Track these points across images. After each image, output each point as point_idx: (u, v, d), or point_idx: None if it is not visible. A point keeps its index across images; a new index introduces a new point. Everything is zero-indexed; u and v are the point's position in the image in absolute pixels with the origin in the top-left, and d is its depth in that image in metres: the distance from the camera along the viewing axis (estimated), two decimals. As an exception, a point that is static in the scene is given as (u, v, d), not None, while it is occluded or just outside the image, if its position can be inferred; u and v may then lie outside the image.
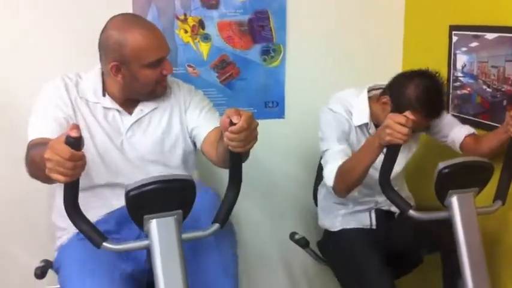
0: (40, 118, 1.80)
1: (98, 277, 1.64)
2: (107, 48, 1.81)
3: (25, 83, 2.15)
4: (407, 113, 1.70)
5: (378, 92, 2.16)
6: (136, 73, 1.81)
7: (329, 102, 2.17)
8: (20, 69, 2.21)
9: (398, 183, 2.26)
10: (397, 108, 1.95)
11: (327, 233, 2.33)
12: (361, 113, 2.11)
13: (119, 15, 1.86)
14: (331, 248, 2.30)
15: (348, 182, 1.98)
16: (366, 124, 2.12)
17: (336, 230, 2.27)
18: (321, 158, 2.13)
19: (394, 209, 2.23)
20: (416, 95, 1.95)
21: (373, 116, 2.12)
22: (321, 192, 2.37)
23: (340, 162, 1.99)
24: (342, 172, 1.97)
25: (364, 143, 1.97)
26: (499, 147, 1.98)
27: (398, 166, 2.16)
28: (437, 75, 2.00)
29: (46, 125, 1.76)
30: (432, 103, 1.97)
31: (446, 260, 2.04)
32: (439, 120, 2.16)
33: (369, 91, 2.16)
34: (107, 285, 1.64)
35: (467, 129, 2.15)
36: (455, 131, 2.16)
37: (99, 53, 1.86)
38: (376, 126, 2.11)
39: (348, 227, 2.25)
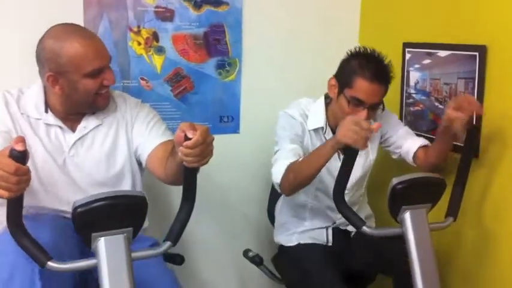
0: None
1: None
2: (43, 58, 1.74)
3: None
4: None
5: None
6: (76, 83, 1.74)
7: (287, 106, 2.19)
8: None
9: (360, 200, 2.27)
10: (343, 83, 2.01)
11: (282, 249, 2.30)
12: (317, 117, 2.13)
13: (57, 25, 1.79)
14: (286, 263, 2.27)
15: (296, 181, 1.95)
16: (322, 128, 2.13)
17: (291, 245, 2.25)
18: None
19: (350, 228, 2.24)
20: (358, 62, 1.99)
21: (330, 120, 2.13)
22: (278, 206, 2.36)
23: (290, 161, 1.98)
24: (291, 169, 1.95)
25: (321, 144, 1.97)
26: (442, 153, 2.04)
27: (357, 172, 2.17)
28: (376, 50, 2.05)
29: None
30: (375, 65, 1.98)
31: (398, 283, 2.05)
32: (393, 129, 2.20)
33: (326, 97, 2.17)
34: None
35: (421, 141, 2.16)
36: (409, 142, 2.17)
37: (37, 65, 1.78)
38: (333, 130, 2.12)
39: (303, 242, 2.23)
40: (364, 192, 2.32)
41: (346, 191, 2.12)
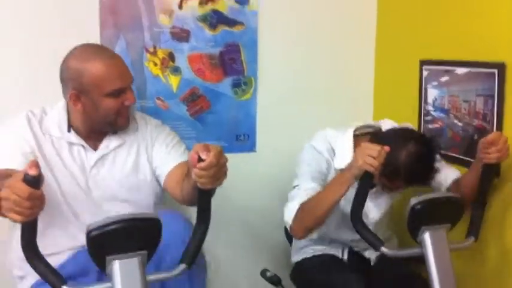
0: (4, 151, 1.73)
1: None
2: (66, 77, 1.78)
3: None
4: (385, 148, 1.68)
5: (366, 131, 2.05)
6: (97, 102, 1.77)
7: (312, 138, 2.08)
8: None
9: (383, 228, 2.23)
10: (384, 169, 1.78)
11: (299, 262, 2.26)
12: (345, 155, 1.98)
13: (81, 45, 1.83)
14: (305, 273, 2.22)
15: (309, 220, 1.87)
16: None
17: (307, 256, 2.22)
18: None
19: (367, 254, 2.20)
20: (405, 162, 1.79)
21: None
22: None
23: (303, 200, 1.90)
24: (303, 209, 1.88)
25: (335, 176, 1.90)
26: (475, 183, 1.92)
27: (381, 210, 2.12)
28: (433, 141, 1.89)
29: (13, 159, 1.69)
30: (419, 175, 1.85)
31: None
32: None
33: (356, 130, 2.04)
34: None
35: (454, 173, 2.06)
36: (443, 175, 2.04)
37: (61, 85, 1.82)
38: None
39: (320, 253, 2.20)
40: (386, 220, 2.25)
41: (371, 226, 2.09)
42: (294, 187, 2.02)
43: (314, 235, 2.11)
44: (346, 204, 1.88)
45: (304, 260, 2.23)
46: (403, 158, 1.79)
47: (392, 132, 1.96)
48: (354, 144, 2.00)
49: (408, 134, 1.90)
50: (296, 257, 2.29)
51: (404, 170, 1.81)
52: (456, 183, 2.06)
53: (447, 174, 2.07)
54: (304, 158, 2.04)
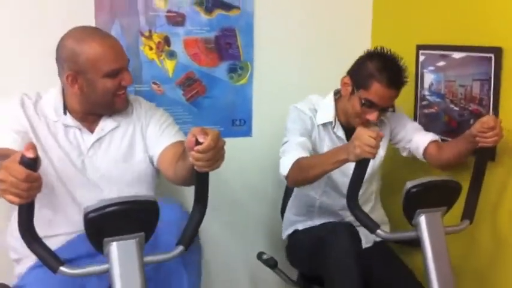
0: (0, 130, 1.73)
1: None
2: (62, 58, 1.77)
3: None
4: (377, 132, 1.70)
5: None
6: (94, 83, 1.77)
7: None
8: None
9: (373, 198, 2.27)
10: (358, 84, 2.01)
11: (291, 236, 2.31)
12: (326, 112, 2.14)
13: (77, 27, 1.83)
14: (297, 244, 2.27)
15: (302, 177, 1.97)
16: (331, 123, 2.13)
17: (298, 228, 2.27)
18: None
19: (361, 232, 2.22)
20: (375, 65, 1.98)
21: (339, 115, 2.15)
22: (288, 205, 2.36)
23: (298, 153, 1.99)
24: (300, 166, 1.96)
25: (333, 149, 1.96)
26: (459, 157, 2.01)
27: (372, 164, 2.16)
28: (392, 52, 2.04)
29: (7, 136, 1.69)
30: (392, 70, 1.97)
31: None
32: (401, 124, 2.20)
33: (336, 93, 2.19)
34: None
35: (432, 136, 2.15)
36: (420, 136, 2.16)
37: (57, 66, 1.81)
38: (342, 125, 2.15)
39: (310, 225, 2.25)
40: (377, 192, 2.30)
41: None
42: (284, 143, 2.09)
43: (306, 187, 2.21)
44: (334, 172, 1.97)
45: (295, 231, 2.29)
46: (370, 63, 1.99)
47: (356, 60, 2.10)
48: (334, 103, 2.16)
49: (368, 52, 2.07)
50: (285, 233, 2.33)
51: (376, 69, 1.96)
52: (436, 145, 2.13)
53: (426, 136, 2.16)
54: (290, 118, 2.16)
